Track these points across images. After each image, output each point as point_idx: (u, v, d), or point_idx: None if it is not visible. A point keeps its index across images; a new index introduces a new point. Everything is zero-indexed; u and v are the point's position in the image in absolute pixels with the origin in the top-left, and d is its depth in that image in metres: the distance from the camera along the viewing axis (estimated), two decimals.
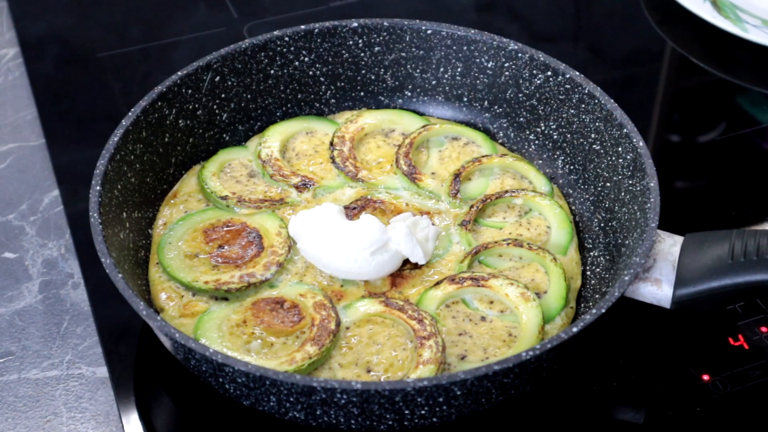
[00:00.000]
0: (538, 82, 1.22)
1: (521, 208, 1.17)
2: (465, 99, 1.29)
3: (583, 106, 1.17)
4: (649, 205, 1.03)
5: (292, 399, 0.91)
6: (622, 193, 1.11)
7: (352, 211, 1.15)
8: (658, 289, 1.01)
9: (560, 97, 1.20)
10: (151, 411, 1.06)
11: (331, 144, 1.24)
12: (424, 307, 1.05)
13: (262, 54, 1.24)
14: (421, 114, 1.30)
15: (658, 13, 1.63)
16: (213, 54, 1.21)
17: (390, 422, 0.93)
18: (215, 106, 1.23)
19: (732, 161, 1.37)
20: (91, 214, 1.01)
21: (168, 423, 1.06)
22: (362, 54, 1.28)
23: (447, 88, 1.29)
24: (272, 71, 1.26)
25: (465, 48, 1.25)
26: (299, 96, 1.29)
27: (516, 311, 1.05)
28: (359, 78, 1.30)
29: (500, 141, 1.28)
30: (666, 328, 1.12)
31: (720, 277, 0.98)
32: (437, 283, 1.07)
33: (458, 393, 0.90)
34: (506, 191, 1.18)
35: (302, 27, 1.25)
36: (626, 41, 1.61)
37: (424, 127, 1.25)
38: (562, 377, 1.07)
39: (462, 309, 1.06)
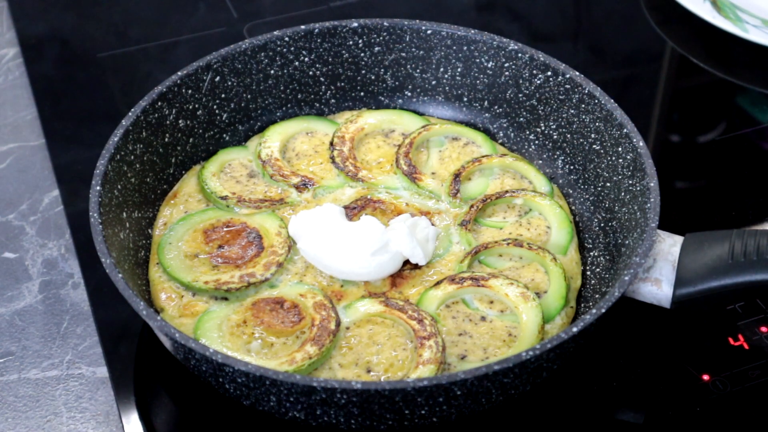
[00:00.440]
0: (538, 82, 1.22)
1: (521, 208, 1.17)
2: (465, 99, 1.29)
3: (583, 106, 1.17)
4: (649, 205, 1.03)
5: (292, 399, 0.91)
6: (622, 193, 1.11)
7: (352, 211, 1.15)
8: (658, 289, 1.01)
9: (560, 97, 1.20)
10: (151, 411, 1.06)
11: (331, 144, 1.24)
12: (424, 307, 1.05)
13: (262, 54, 1.24)
14: (421, 114, 1.30)
15: (658, 13, 1.63)
16: (213, 54, 1.21)
17: (390, 422, 0.93)
18: (215, 106, 1.23)
19: (732, 161, 1.37)
20: (91, 214, 1.01)
21: (168, 423, 1.06)
22: (362, 54, 1.28)
23: (447, 88, 1.29)
24: (272, 71, 1.26)
25: (465, 48, 1.25)
26: (299, 96, 1.29)
27: (516, 311, 1.05)
28: (359, 78, 1.30)
29: (500, 141, 1.28)
30: (666, 328, 1.12)
31: (720, 277, 0.98)
32: (437, 283, 1.07)
33: (458, 393, 0.90)
34: (506, 191, 1.18)
35: (302, 27, 1.25)
36: (626, 41, 1.61)
37: (424, 127, 1.25)
38: (562, 377, 1.07)
39: (462, 309, 1.06)
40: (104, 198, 1.04)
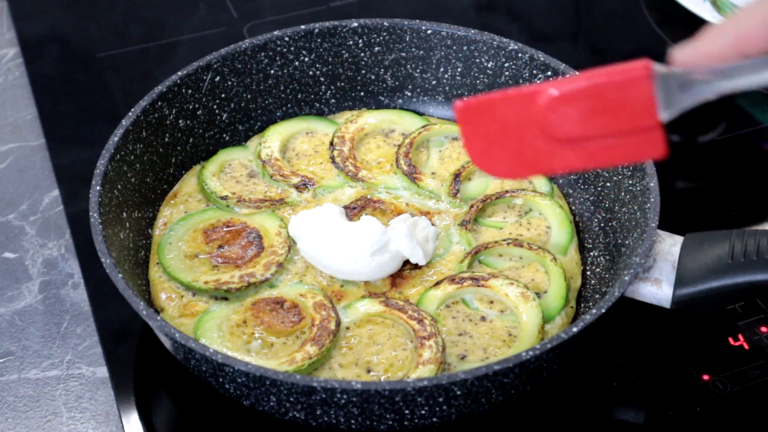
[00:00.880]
0: (539, 82, 1.22)
1: (521, 208, 1.17)
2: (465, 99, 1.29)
3: None
4: (649, 205, 1.03)
5: (292, 399, 0.91)
6: (622, 193, 1.11)
7: (352, 210, 1.15)
8: (658, 289, 1.01)
9: None
10: (151, 411, 1.06)
11: (331, 144, 1.24)
12: (424, 307, 1.05)
13: (262, 54, 1.24)
14: (421, 114, 1.30)
15: (658, 13, 1.63)
16: (213, 54, 1.21)
17: (390, 422, 0.93)
18: (215, 106, 1.23)
19: (732, 161, 1.37)
20: (91, 214, 1.01)
21: (168, 423, 1.05)
22: (362, 54, 1.28)
23: (447, 88, 1.29)
24: (272, 71, 1.26)
25: (465, 48, 1.25)
26: (299, 96, 1.29)
27: (516, 311, 1.05)
28: (359, 78, 1.30)
29: None
30: (666, 328, 1.12)
31: (720, 277, 0.98)
32: (437, 283, 1.07)
33: (458, 393, 0.90)
34: (506, 191, 1.18)
35: (302, 27, 1.25)
36: (626, 41, 1.61)
37: (424, 127, 1.25)
38: (562, 377, 1.06)
39: (462, 309, 1.06)
40: (104, 198, 1.04)
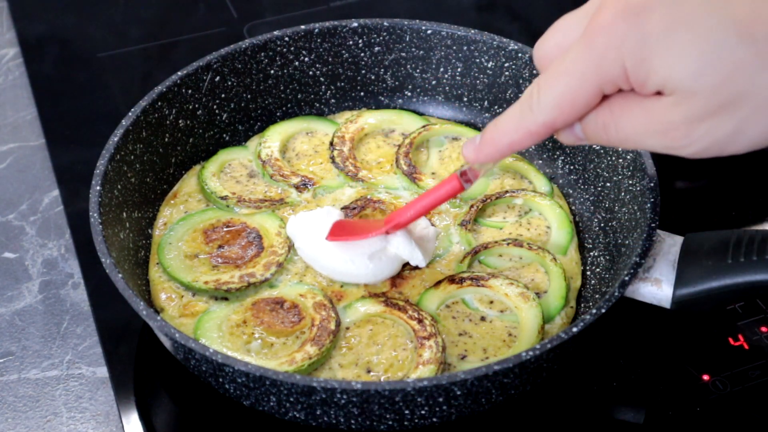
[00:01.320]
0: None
1: (521, 208, 1.17)
2: (465, 99, 1.29)
3: None
4: (649, 205, 1.03)
5: (292, 399, 0.91)
6: (622, 193, 1.11)
7: (352, 210, 1.15)
8: (658, 289, 1.01)
9: None
10: (151, 411, 1.06)
11: (331, 144, 1.24)
12: (424, 307, 1.05)
13: (262, 54, 1.24)
14: (421, 114, 1.30)
15: None
16: (213, 54, 1.21)
17: (390, 422, 0.93)
18: (215, 106, 1.23)
19: (732, 161, 1.37)
20: (91, 214, 1.01)
21: (168, 423, 1.05)
22: (362, 54, 1.28)
23: (447, 88, 1.29)
24: (272, 71, 1.26)
25: (465, 48, 1.25)
26: (299, 96, 1.29)
27: (516, 311, 1.05)
28: (359, 78, 1.30)
29: None
30: (666, 328, 1.12)
31: (720, 277, 0.98)
32: (437, 283, 1.07)
33: (458, 393, 0.90)
34: (506, 191, 1.18)
35: (302, 27, 1.25)
36: None
37: (424, 127, 1.25)
38: (562, 377, 1.06)
39: (462, 309, 1.06)
40: (104, 198, 1.04)
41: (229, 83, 1.23)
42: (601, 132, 0.80)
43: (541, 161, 1.24)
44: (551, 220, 1.15)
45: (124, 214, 1.09)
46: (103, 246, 0.98)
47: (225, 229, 1.13)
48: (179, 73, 1.18)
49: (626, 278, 0.97)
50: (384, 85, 1.30)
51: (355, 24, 1.26)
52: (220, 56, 1.21)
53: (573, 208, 1.20)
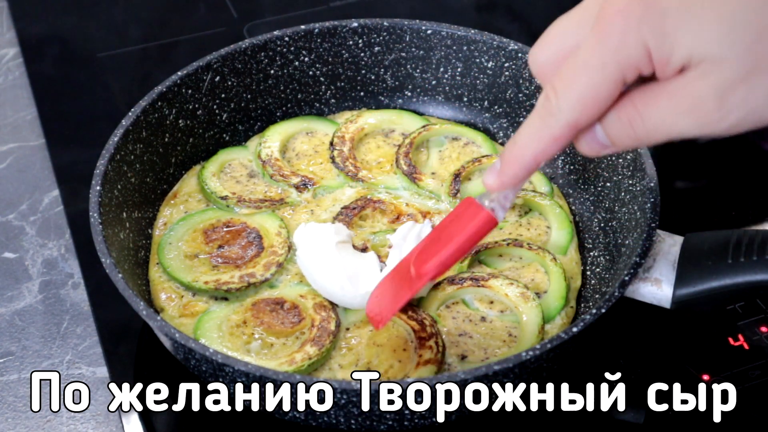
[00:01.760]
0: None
1: (521, 208, 1.17)
2: (465, 99, 1.29)
3: None
4: (649, 205, 1.03)
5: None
6: (622, 193, 1.11)
7: (352, 210, 1.15)
8: (658, 289, 1.01)
9: None
10: (151, 411, 1.05)
11: (331, 144, 1.24)
12: (424, 308, 1.05)
13: (262, 54, 1.24)
14: (421, 114, 1.30)
15: None
16: (213, 54, 1.21)
17: (390, 422, 0.93)
18: (215, 106, 1.23)
19: (732, 161, 1.37)
20: (91, 214, 1.01)
21: (168, 423, 1.05)
22: (362, 54, 1.28)
23: (447, 88, 1.29)
24: (272, 71, 1.26)
25: (465, 48, 1.25)
26: (299, 96, 1.29)
27: (516, 311, 1.05)
28: (359, 78, 1.30)
29: (500, 141, 1.28)
30: (666, 328, 1.12)
31: (720, 277, 0.98)
32: (437, 284, 1.07)
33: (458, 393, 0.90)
34: None
35: (302, 27, 1.25)
36: None
37: (424, 127, 1.25)
38: (562, 377, 1.06)
39: (462, 309, 1.06)
40: (104, 198, 1.04)
41: (229, 83, 1.23)
42: (627, 129, 0.77)
43: None
44: (551, 220, 1.15)
45: (124, 214, 1.09)
46: (103, 246, 0.98)
47: (225, 229, 1.13)
48: (179, 73, 1.18)
49: (626, 278, 0.97)
50: (384, 85, 1.30)
51: (355, 24, 1.26)
52: (220, 56, 1.21)
53: (573, 208, 1.20)
